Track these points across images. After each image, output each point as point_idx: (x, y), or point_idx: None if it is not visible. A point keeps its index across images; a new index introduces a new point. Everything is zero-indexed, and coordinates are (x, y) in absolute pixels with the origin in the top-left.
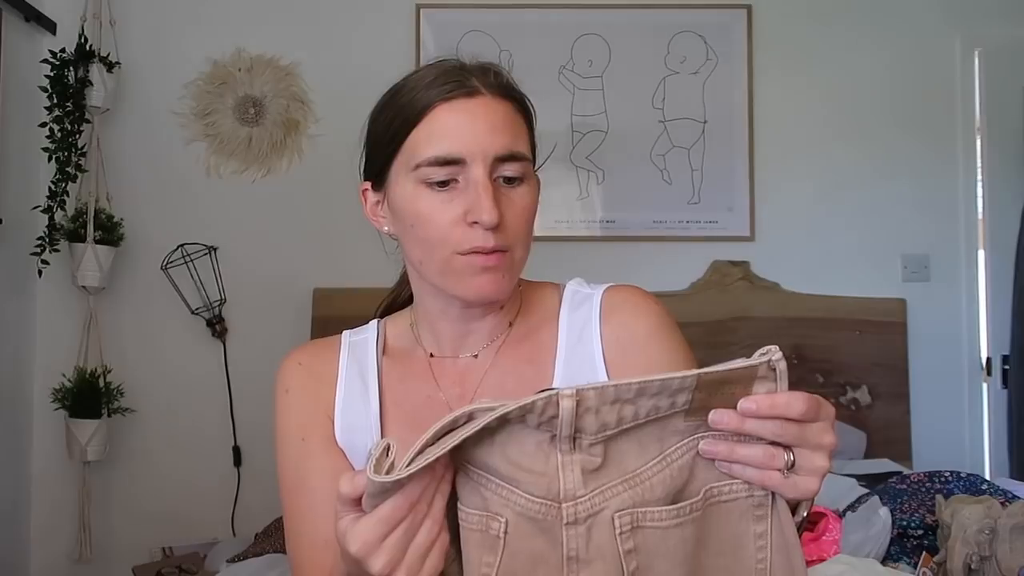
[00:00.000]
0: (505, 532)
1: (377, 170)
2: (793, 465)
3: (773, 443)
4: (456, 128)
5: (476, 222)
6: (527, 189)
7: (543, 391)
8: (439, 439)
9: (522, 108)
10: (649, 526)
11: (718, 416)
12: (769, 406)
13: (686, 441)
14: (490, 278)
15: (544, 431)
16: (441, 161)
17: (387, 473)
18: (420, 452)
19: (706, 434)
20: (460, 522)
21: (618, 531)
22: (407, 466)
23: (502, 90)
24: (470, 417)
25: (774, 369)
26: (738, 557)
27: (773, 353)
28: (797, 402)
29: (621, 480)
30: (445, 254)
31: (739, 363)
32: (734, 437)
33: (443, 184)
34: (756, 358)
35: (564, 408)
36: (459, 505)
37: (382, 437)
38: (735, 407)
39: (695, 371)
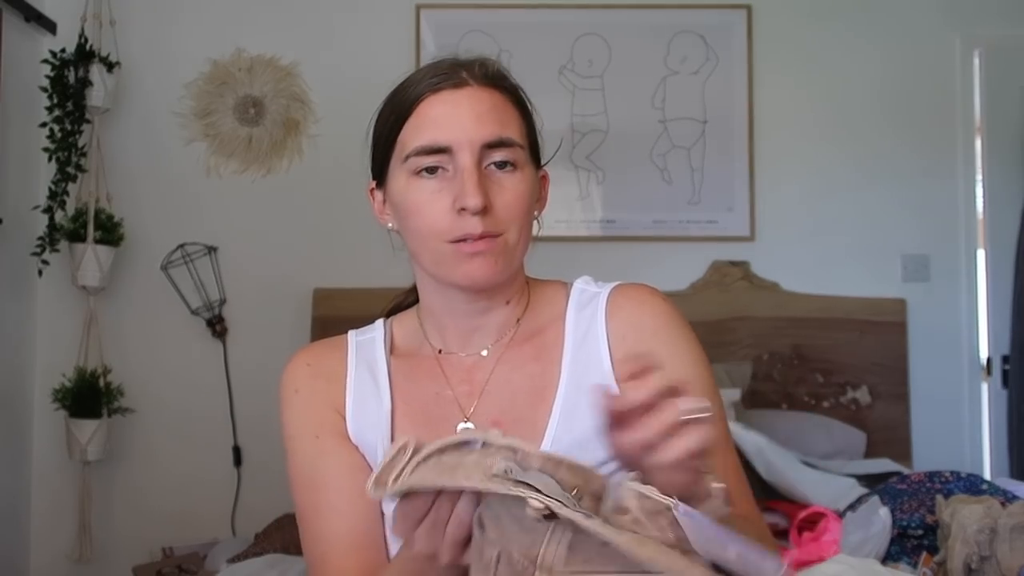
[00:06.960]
0: (496, 564)
1: (379, 168)
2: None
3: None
4: (441, 117)
5: (464, 209)
6: (521, 176)
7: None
8: (436, 454)
9: (515, 98)
10: None
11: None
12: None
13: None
14: (480, 262)
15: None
16: (427, 150)
17: (398, 474)
18: (419, 462)
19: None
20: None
21: None
22: (398, 476)
23: (490, 80)
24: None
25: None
26: None
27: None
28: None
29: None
30: (436, 243)
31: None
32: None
33: (432, 171)
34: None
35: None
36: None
37: (392, 435)
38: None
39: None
